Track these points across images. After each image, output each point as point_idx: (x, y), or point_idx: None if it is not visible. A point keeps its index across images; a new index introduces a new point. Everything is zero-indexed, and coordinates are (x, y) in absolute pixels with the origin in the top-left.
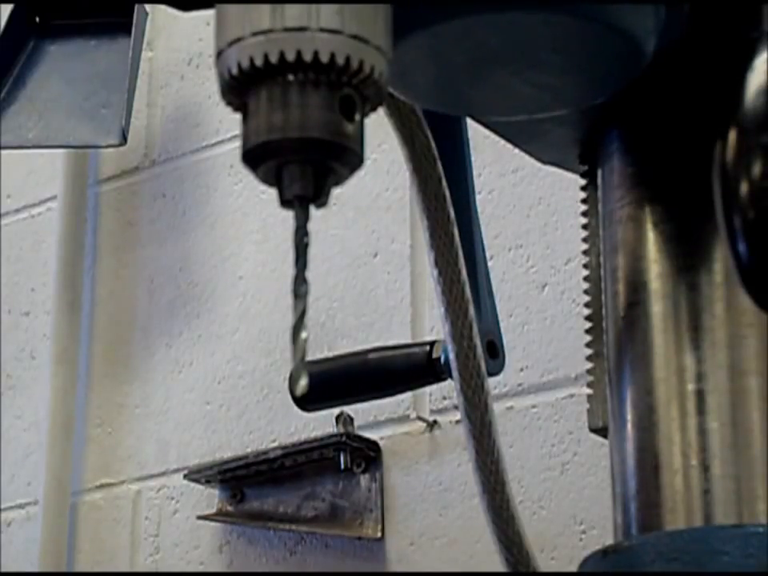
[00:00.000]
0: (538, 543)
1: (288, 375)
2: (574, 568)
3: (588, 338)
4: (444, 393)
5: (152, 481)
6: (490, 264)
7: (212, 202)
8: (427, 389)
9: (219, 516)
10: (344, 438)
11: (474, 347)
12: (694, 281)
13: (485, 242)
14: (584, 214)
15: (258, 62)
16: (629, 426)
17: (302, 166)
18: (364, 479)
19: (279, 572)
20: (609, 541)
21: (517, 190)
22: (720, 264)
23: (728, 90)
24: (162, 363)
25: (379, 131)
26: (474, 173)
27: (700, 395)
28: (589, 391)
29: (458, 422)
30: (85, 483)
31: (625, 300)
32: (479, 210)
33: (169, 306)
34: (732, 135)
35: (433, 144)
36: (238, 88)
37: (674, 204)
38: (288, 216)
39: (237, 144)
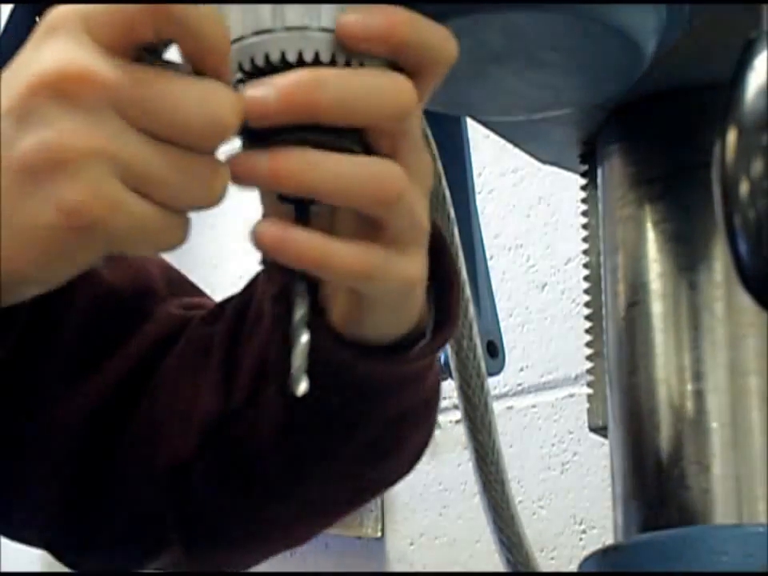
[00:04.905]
0: (538, 543)
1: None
2: (573, 568)
3: (588, 337)
4: (444, 393)
5: None
6: (490, 264)
7: None
8: None
9: None
10: None
11: (474, 347)
12: (694, 280)
13: (485, 242)
14: (584, 213)
15: (259, 62)
16: (629, 425)
17: None
18: None
19: (279, 572)
20: (609, 541)
21: (517, 189)
22: (720, 264)
23: (728, 89)
24: None
25: None
26: (474, 173)
27: (700, 395)
28: (589, 391)
29: (458, 421)
30: None
31: (625, 300)
32: (479, 209)
33: None
34: (732, 135)
35: (433, 144)
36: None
37: (674, 204)
38: None
39: (237, 143)
